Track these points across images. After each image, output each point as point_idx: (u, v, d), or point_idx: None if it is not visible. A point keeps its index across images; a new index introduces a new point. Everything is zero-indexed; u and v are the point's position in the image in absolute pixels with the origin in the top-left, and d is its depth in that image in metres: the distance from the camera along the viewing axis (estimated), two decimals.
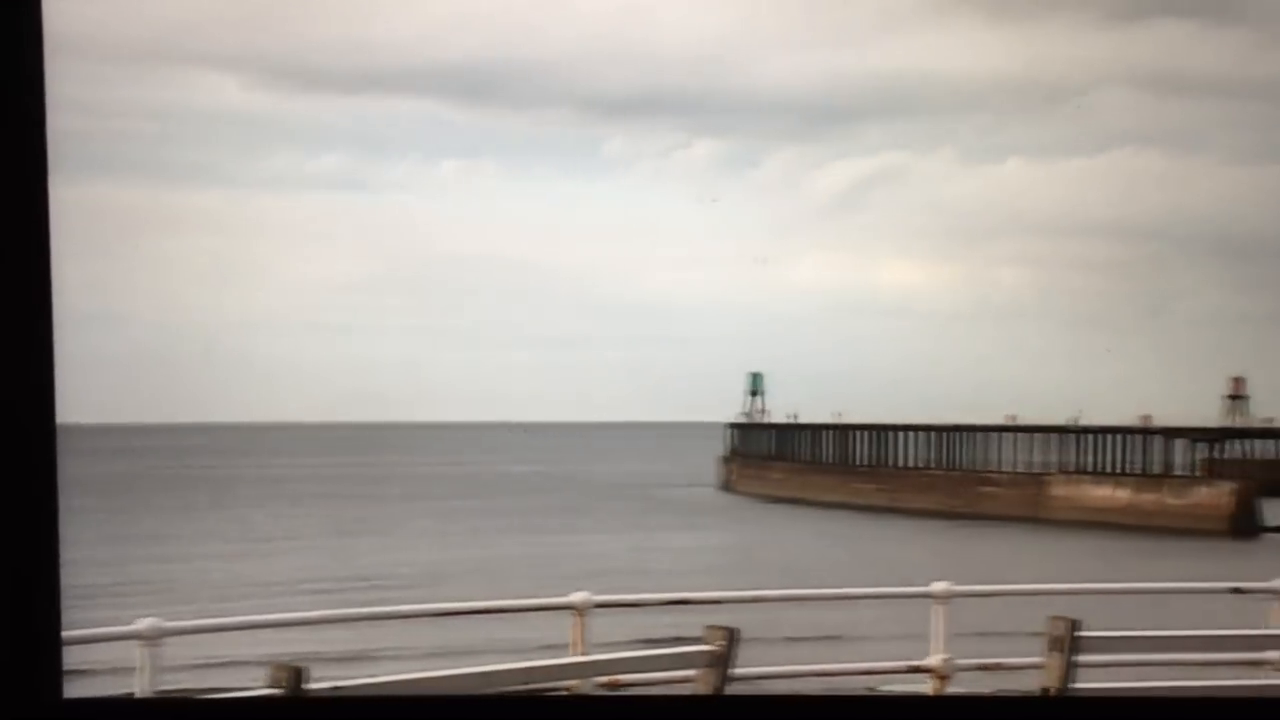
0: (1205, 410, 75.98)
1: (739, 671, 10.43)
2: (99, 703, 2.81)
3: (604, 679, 10.40)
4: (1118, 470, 72.29)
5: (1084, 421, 75.59)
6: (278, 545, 55.53)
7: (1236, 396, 76.97)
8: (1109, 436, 73.73)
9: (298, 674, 8.51)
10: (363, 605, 17.76)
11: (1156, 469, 71.73)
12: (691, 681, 10.26)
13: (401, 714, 2.62)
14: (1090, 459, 73.54)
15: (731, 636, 10.21)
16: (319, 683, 9.11)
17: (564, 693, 10.17)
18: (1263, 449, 76.33)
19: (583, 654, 10.60)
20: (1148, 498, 68.59)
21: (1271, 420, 70.94)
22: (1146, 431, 73.37)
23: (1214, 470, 70.45)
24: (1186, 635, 12.86)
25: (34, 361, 2.24)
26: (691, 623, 11.79)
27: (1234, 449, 73.74)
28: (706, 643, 10.24)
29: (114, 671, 10.44)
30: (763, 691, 11.31)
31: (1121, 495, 69.43)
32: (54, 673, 2.30)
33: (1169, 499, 68.05)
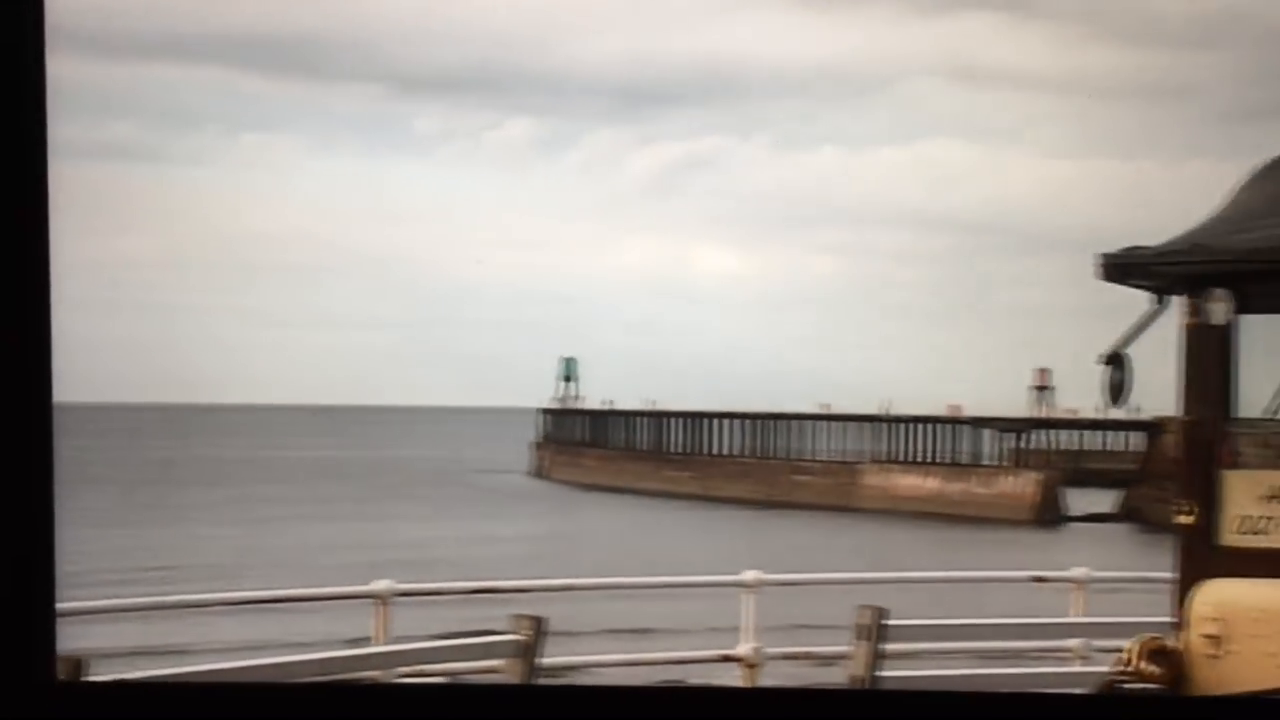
0: (1012, 401, 77.87)
1: (546, 662, 10.36)
2: (91, 686, 2.83)
3: (406, 669, 10.25)
4: (928, 459, 73.73)
5: (895, 411, 76.97)
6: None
7: (1042, 388, 79.00)
8: (919, 426, 75.16)
9: (78, 665, 8.26)
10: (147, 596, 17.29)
11: (965, 459, 73.31)
12: (497, 672, 10.16)
13: (394, 706, 2.53)
14: (901, 448, 74.89)
15: (539, 626, 10.12)
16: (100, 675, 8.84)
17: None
18: (1066, 439, 78.44)
19: (385, 644, 10.44)
20: (956, 487, 70.08)
21: (1075, 411, 72.92)
22: (956, 421, 74.96)
23: (1020, 460, 72.22)
24: (990, 624, 13.10)
25: (30, 363, 2.19)
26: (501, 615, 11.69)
27: (1039, 439, 75.65)
28: (513, 632, 10.14)
29: None
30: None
31: (931, 484, 70.85)
32: (47, 656, 2.29)
33: (976, 488, 69.61)
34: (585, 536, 53.01)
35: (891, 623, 11.03)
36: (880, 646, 10.79)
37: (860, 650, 10.80)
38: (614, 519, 63.11)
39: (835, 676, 12.12)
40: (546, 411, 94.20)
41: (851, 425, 77.16)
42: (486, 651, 10.43)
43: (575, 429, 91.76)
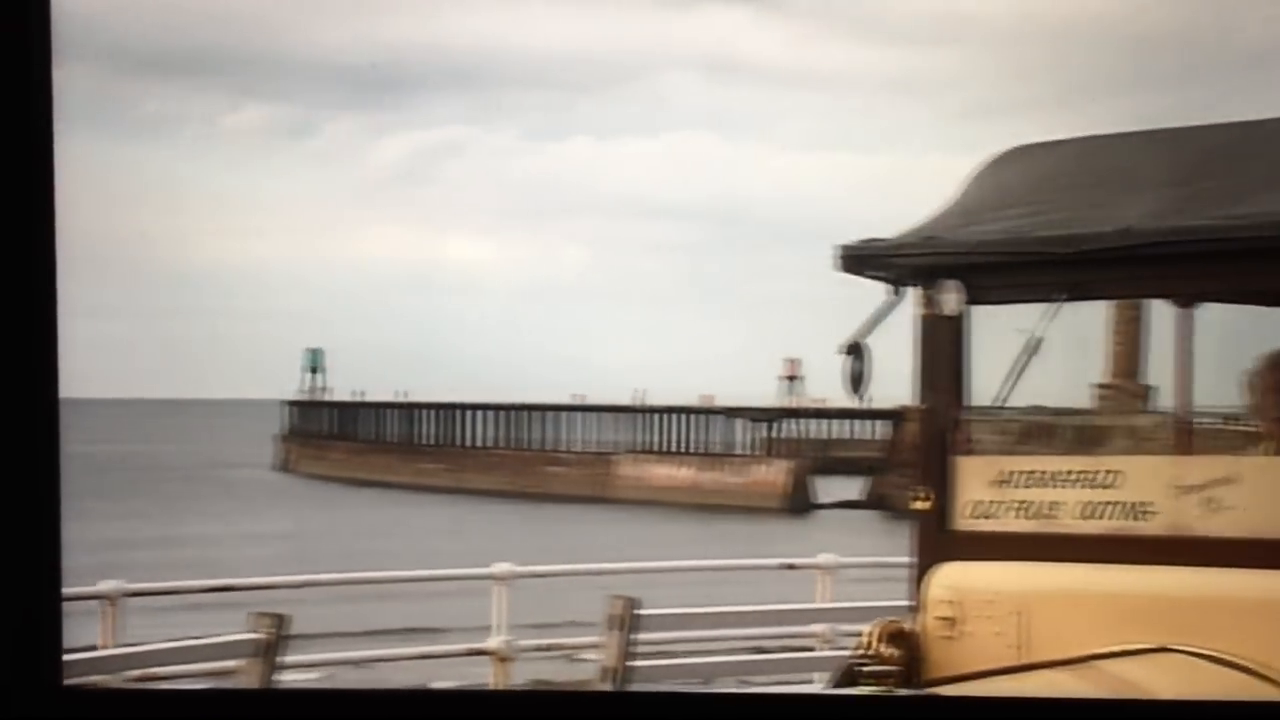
0: (763, 390, 79.32)
1: (289, 660, 10.24)
2: (98, 691, 2.77)
3: (137, 673, 10.02)
4: (681, 449, 74.68)
5: (649, 401, 77.77)
6: None
7: (792, 378, 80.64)
8: (673, 416, 76.09)
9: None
10: None
11: (718, 448, 74.45)
12: (237, 673, 10.00)
13: (401, 710, 2.51)
14: (655, 438, 75.72)
15: (280, 624, 9.99)
16: None
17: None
18: (816, 428, 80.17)
19: (113, 648, 10.19)
20: (709, 476, 71.12)
21: (824, 401, 74.61)
22: (708, 411, 76.09)
23: (771, 449, 73.60)
24: (741, 611, 13.39)
25: (36, 363, 2.14)
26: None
27: (790, 428, 77.17)
28: (252, 631, 9.97)
29: None
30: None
31: (684, 474, 71.79)
32: (54, 660, 2.28)
33: (729, 477, 70.77)
34: (329, 533, 52.40)
35: (643, 612, 11.19)
36: (632, 637, 10.94)
37: (612, 641, 10.93)
38: (363, 514, 62.49)
39: (588, 669, 12.25)
40: (291, 404, 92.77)
41: (607, 416, 77.73)
42: (224, 651, 10.24)
43: (322, 421, 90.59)
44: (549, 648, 13.00)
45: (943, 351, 5.94)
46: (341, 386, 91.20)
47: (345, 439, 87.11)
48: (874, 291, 6.14)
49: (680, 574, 16.15)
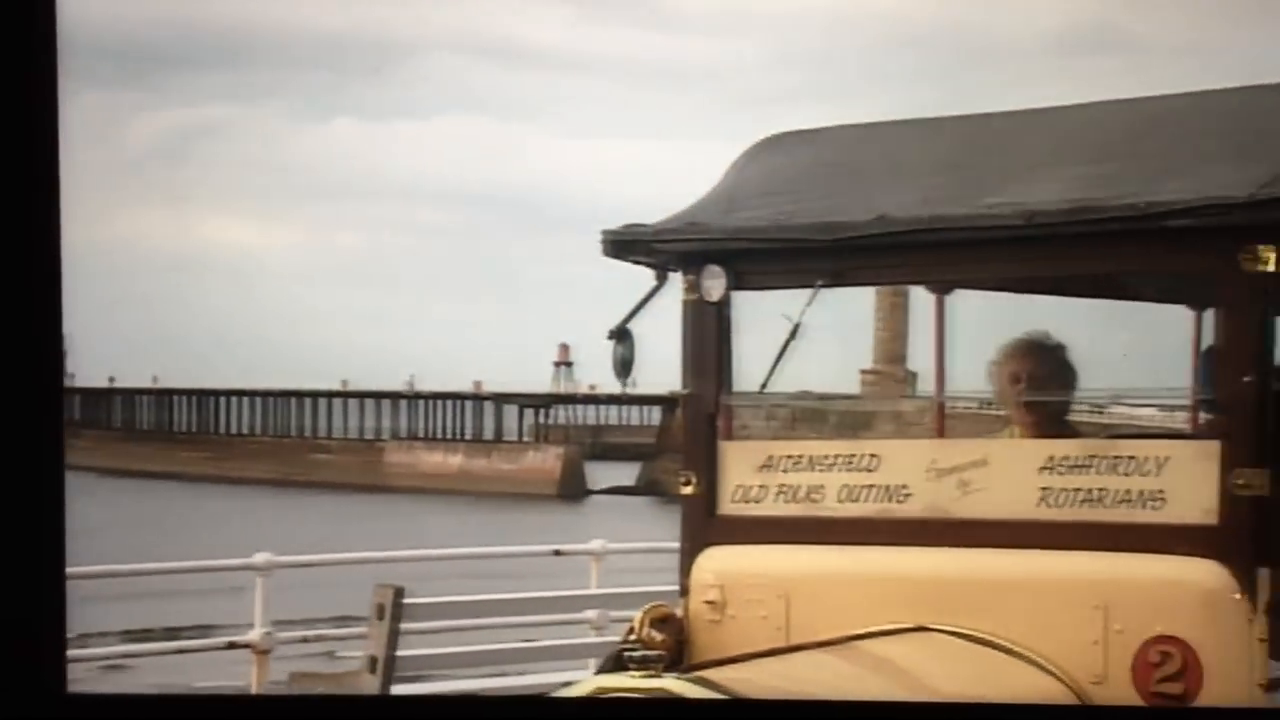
0: (536, 377, 79.47)
1: None
2: (102, 698, 2.68)
3: None
4: (452, 436, 74.46)
5: (419, 387, 77.37)
6: None
7: (564, 363, 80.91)
8: (443, 403, 75.83)
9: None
10: None
11: (489, 435, 74.40)
12: None
13: (413, 714, 2.47)
14: (425, 425, 75.40)
15: None
16: None
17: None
18: (589, 414, 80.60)
19: None
20: (480, 463, 71.08)
21: (595, 387, 75.02)
22: (479, 398, 75.98)
23: (543, 436, 73.81)
24: (511, 598, 13.47)
25: (41, 361, 2.07)
26: None
27: (563, 415, 77.45)
28: None
29: None
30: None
31: (455, 461, 71.64)
32: (58, 667, 2.27)
33: (501, 464, 70.82)
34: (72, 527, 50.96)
35: (410, 601, 11.18)
36: (398, 625, 10.92)
37: (378, 630, 10.90)
38: (112, 505, 61.03)
39: (351, 663, 12.19)
40: None
41: (374, 402, 77.10)
42: None
43: (66, 409, 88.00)
44: (314, 639, 12.90)
45: (708, 337, 6.06)
46: (94, 373, 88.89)
47: (93, 427, 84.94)
48: (647, 277, 6.25)
49: (453, 563, 16.14)
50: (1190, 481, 5.24)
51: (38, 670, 2.23)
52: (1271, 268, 5.05)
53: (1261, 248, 5.05)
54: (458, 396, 75.57)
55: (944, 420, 7.23)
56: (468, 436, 73.89)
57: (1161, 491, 5.30)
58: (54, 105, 2.25)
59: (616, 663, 5.59)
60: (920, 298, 7.13)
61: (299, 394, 78.52)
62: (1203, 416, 6.39)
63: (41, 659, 2.23)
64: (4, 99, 2.23)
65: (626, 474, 69.27)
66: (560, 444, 71.50)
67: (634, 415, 79.49)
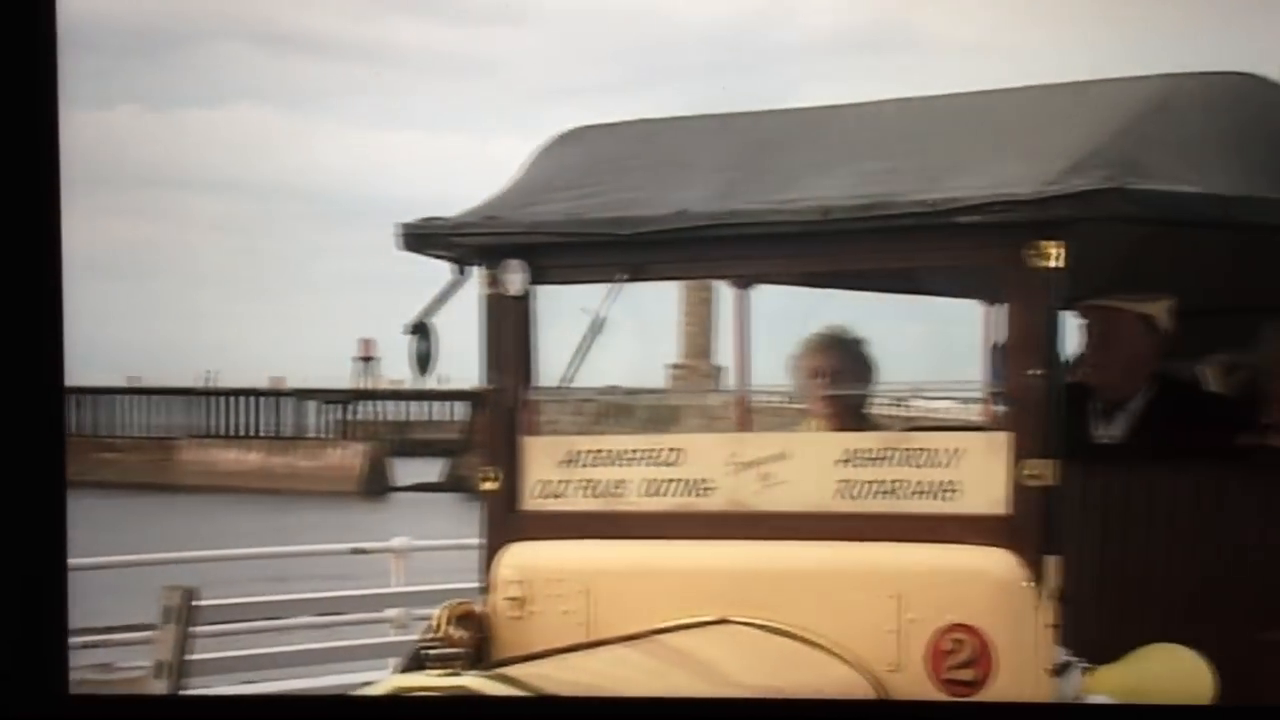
0: (338, 372, 78.66)
1: None
2: (105, 699, 2.63)
3: None
4: (249, 433, 73.41)
5: (220, 383, 76.13)
6: None
7: (367, 358, 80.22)
8: (240, 399, 74.71)
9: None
10: None
11: (289, 431, 73.47)
12: None
13: (421, 715, 2.45)
14: (221, 422, 74.21)
15: None
16: None
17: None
18: (394, 410, 79.99)
19: None
20: (280, 460, 70.17)
21: (400, 382, 74.50)
22: (278, 394, 75.00)
23: (345, 432, 73.12)
24: (309, 598, 13.38)
25: (43, 362, 2.03)
26: None
27: (366, 410, 76.78)
28: None
29: None
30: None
31: (252, 459, 70.62)
32: (61, 668, 2.30)
33: (301, 461, 69.99)
34: None
35: (203, 603, 11.06)
36: (188, 629, 10.79)
37: (167, 634, 10.76)
38: None
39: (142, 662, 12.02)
40: None
41: (168, 399, 75.68)
42: None
43: None
44: (98, 644, 12.67)
45: (508, 331, 6.11)
46: None
47: None
48: (448, 271, 6.28)
49: (252, 564, 15.97)
50: (981, 473, 5.41)
51: (39, 670, 2.24)
52: (1056, 263, 5.24)
53: (1046, 244, 5.23)
54: (255, 393, 74.48)
55: (746, 414, 7.38)
56: (266, 433, 72.89)
57: (954, 483, 5.47)
58: (54, 110, 2.26)
59: (416, 661, 5.61)
60: (726, 292, 7.28)
61: (84, 391, 76.73)
62: (994, 409, 6.61)
63: (43, 659, 2.25)
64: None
65: (432, 470, 68.89)
66: (363, 440, 70.90)
67: (440, 411, 79.06)
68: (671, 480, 5.94)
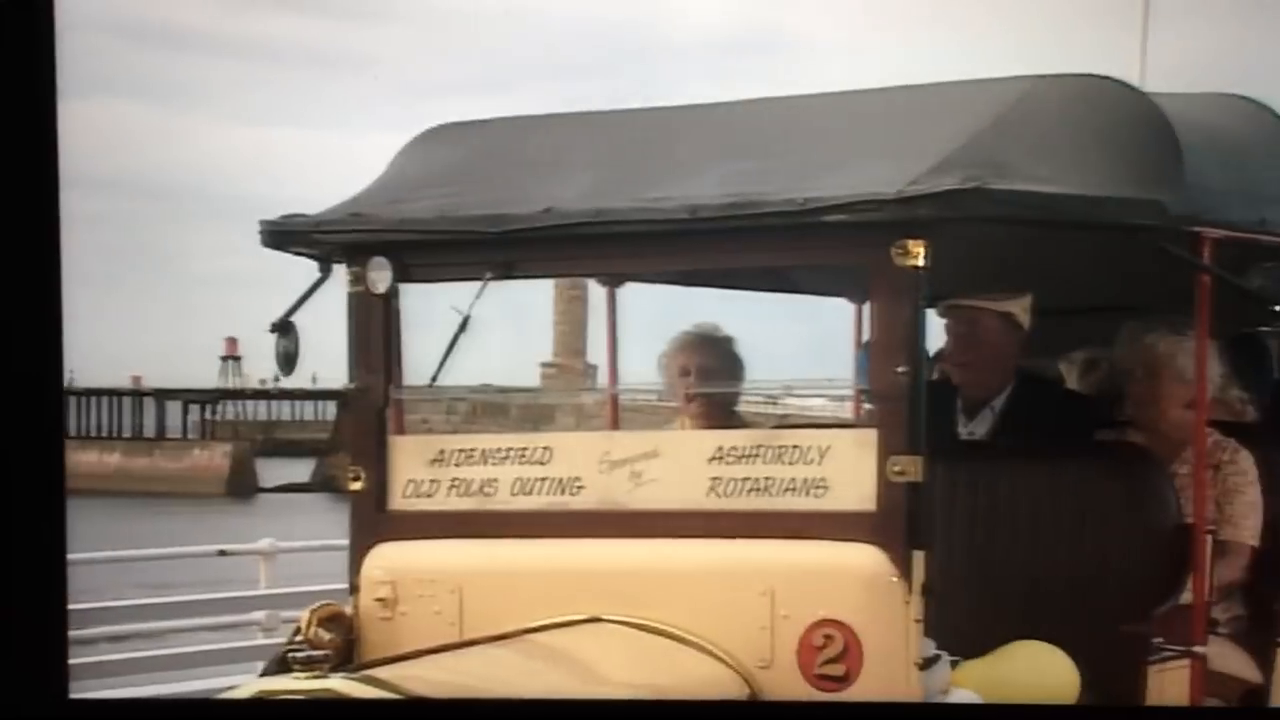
0: (202, 372, 77.73)
1: None
2: (104, 703, 2.58)
3: None
4: (109, 434, 72.38)
5: (74, 384, 75.03)
6: None
7: (231, 358, 79.34)
8: (98, 399, 73.66)
9: None
10: None
11: (150, 432, 72.53)
12: None
13: (420, 717, 2.42)
14: (82, 423, 73.12)
15: None
16: None
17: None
18: (262, 410, 79.23)
19: None
20: (141, 462, 69.29)
21: (265, 382, 73.74)
22: (138, 394, 74.00)
23: (210, 432, 72.31)
24: (173, 601, 13.25)
25: (41, 366, 2.01)
26: None
27: (231, 410, 75.97)
28: None
29: None
30: None
31: (112, 460, 69.64)
32: (60, 672, 2.41)
33: (164, 462, 69.17)
34: None
35: (72, 607, 10.91)
36: None
37: None
38: None
39: None
40: None
41: None
42: None
43: None
44: None
45: (374, 330, 6.10)
46: None
47: None
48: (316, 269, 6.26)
49: (114, 568, 15.77)
50: (850, 469, 5.50)
51: (41, 675, 2.24)
52: (921, 262, 5.34)
53: (911, 242, 5.33)
54: (114, 393, 73.43)
55: (618, 412, 7.43)
56: (126, 434, 71.90)
57: (824, 479, 5.55)
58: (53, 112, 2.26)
59: (281, 664, 5.58)
60: (599, 291, 7.32)
61: None
62: (863, 407, 6.71)
63: (44, 664, 2.25)
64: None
65: (301, 471, 68.32)
66: (228, 440, 70.14)
67: (310, 411, 78.37)
68: (542, 479, 5.97)
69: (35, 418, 2.28)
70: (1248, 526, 6.59)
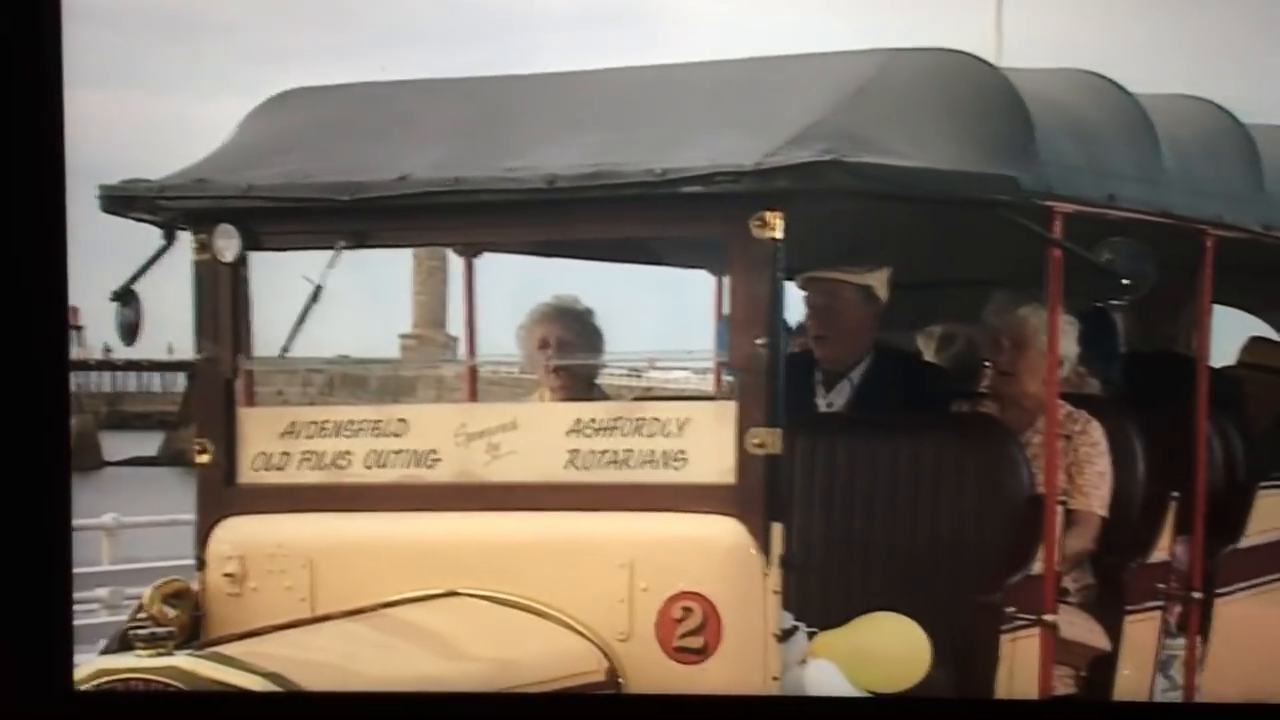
0: None
1: None
2: (109, 696, 2.41)
3: None
4: None
5: None
6: None
7: (73, 327, 78.03)
8: None
9: None
10: None
11: None
12: None
13: (422, 713, 2.35)
14: None
15: None
16: None
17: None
18: (104, 381, 77.99)
19: None
20: None
21: (111, 352, 72.65)
22: None
23: None
24: None
25: (46, 362, 1.93)
26: None
27: (73, 382, 74.69)
28: None
29: None
30: None
31: None
32: (65, 665, 2.46)
33: None
34: None
35: None
36: None
37: None
38: None
39: None
40: None
41: None
42: None
43: None
44: None
45: (221, 299, 6.03)
46: None
47: None
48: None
49: None
50: (709, 442, 5.54)
51: (45, 668, 2.19)
52: (779, 234, 5.38)
53: (769, 214, 5.37)
54: None
55: (477, 385, 7.40)
56: None
57: (683, 452, 5.59)
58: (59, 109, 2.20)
59: (123, 642, 5.50)
60: (458, 262, 7.28)
61: None
62: (723, 379, 6.76)
63: (48, 657, 2.20)
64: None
65: (150, 444, 67.35)
66: (71, 413, 69.02)
67: (155, 382, 77.23)
68: (398, 452, 5.95)
69: (37, 411, 2.26)
70: (1098, 497, 6.73)
